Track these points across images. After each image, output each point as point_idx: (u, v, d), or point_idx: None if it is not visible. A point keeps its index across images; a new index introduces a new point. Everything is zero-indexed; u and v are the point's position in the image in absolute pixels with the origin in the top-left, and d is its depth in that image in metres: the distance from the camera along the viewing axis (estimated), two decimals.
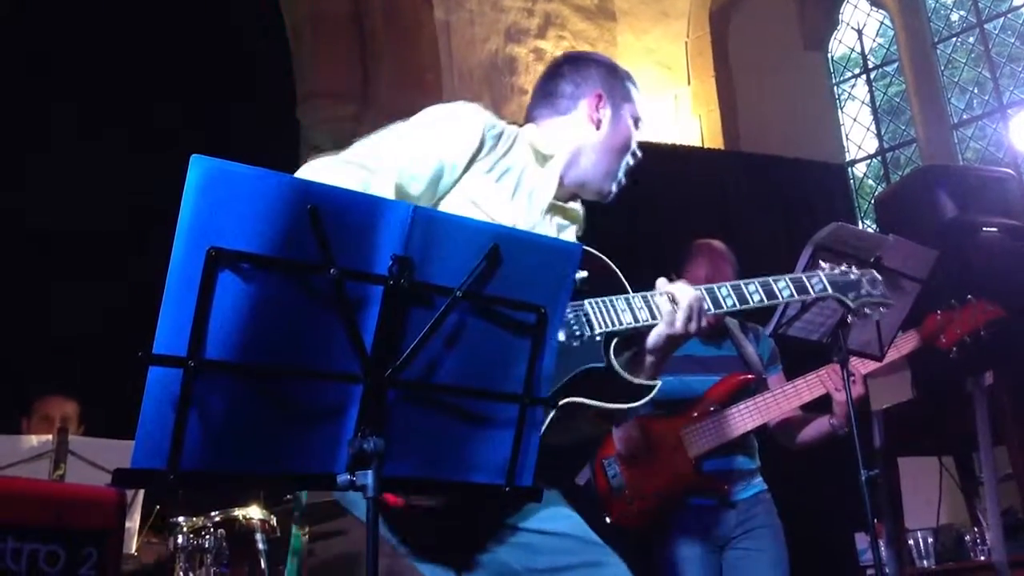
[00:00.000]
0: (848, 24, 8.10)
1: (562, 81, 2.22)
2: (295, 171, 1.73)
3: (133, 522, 3.63)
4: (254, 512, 3.77)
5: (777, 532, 3.22)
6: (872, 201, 7.33)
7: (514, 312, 1.44)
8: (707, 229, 3.51)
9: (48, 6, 5.91)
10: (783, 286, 2.11)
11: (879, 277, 2.32)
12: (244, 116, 5.83)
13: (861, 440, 2.68)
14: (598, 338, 1.89)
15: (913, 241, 2.85)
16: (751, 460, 3.28)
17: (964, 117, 7.33)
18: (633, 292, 1.97)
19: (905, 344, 3.05)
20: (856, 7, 8.02)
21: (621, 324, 1.91)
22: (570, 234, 2.15)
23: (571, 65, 2.26)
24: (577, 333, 1.87)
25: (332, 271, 1.27)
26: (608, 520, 3.13)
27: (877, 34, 8.01)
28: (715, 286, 2.05)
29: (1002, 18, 7.24)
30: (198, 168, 1.20)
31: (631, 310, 1.93)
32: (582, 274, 1.91)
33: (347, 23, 6.30)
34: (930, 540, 3.45)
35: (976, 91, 7.35)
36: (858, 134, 7.91)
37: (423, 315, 1.36)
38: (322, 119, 6.14)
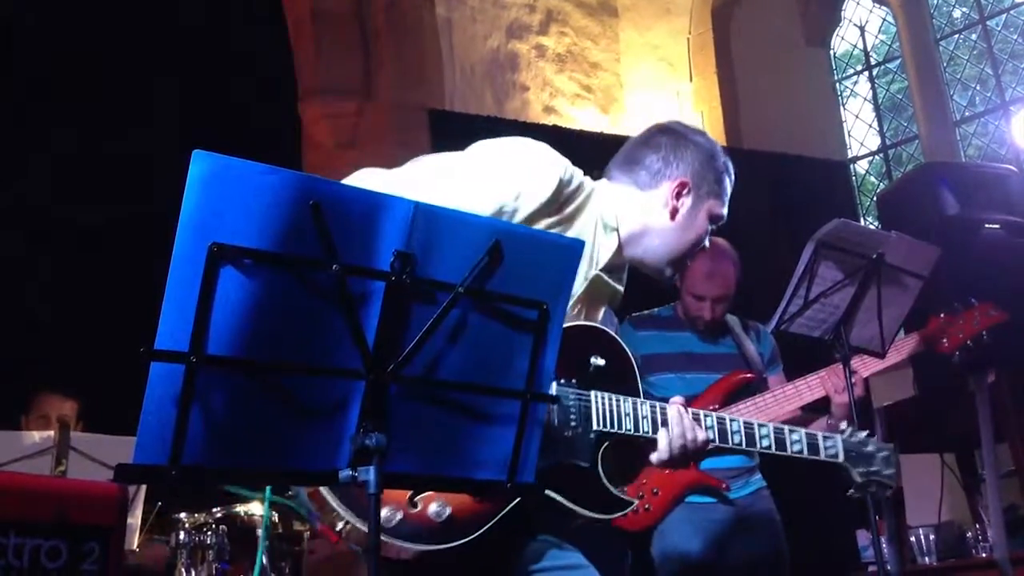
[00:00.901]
0: (850, 20, 8.09)
1: (652, 153, 2.04)
2: (297, 167, 1.71)
3: (135, 518, 3.63)
4: (256, 508, 3.78)
5: (776, 529, 3.22)
6: (874, 198, 7.32)
7: (516, 308, 1.44)
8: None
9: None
10: (796, 439, 2.08)
11: (893, 457, 2.25)
12: (245, 112, 5.83)
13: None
14: (592, 435, 1.81)
15: (915, 238, 2.84)
16: (750, 457, 3.28)
17: (966, 114, 7.32)
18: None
19: (907, 346, 3.04)
20: (859, 4, 8.01)
21: (619, 429, 1.84)
22: (600, 312, 2.04)
23: (669, 138, 2.07)
24: (572, 423, 1.79)
25: (334, 267, 1.27)
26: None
27: (879, 31, 8.00)
28: (727, 418, 2.01)
29: (1004, 15, 7.23)
30: (200, 163, 1.19)
31: (635, 417, 1.86)
32: (600, 362, 1.85)
33: (349, 19, 6.30)
34: (932, 537, 3.45)
35: (978, 88, 7.34)
36: (860, 131, 7.90)
37: (425, 311, 1.36)
38: (323, 115, 6.14)
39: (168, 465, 1.19)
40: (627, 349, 1.93)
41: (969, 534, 3.45)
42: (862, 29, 8.04)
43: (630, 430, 1.85)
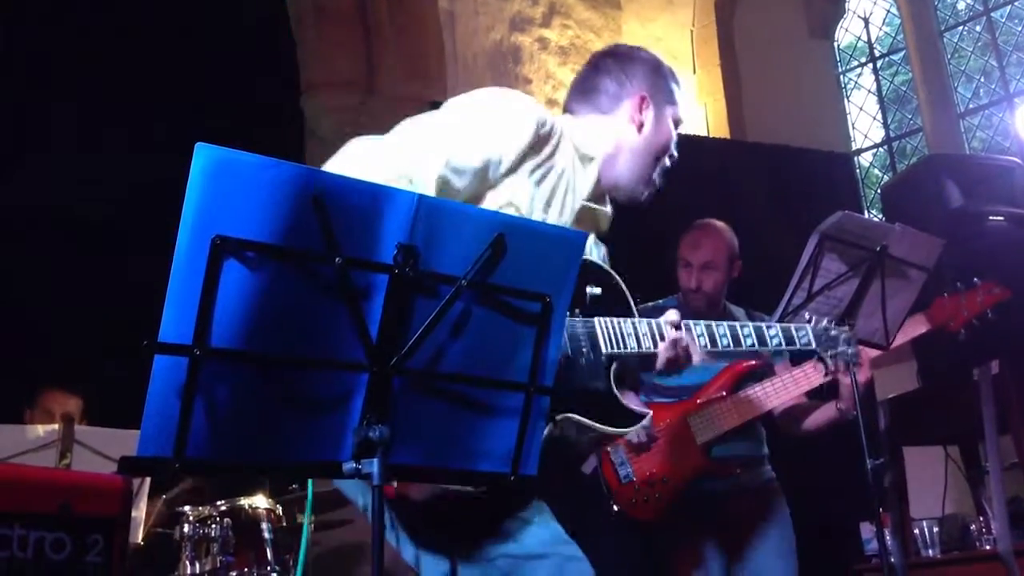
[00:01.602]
0: (854, 12, 8.06)
1: (605, 77, 2.15)
2: (299, 160, 1.72)
3: (139, 512, 3.64)
4: (260, 502, 3.78)
5: (786, 521, 3.23)
6: (878, 190, 7.31)
7: (519, 301, 1.44)
8: (712, 218, 3.51)
9: None
10: (773, 334, 2.26)
11: (852, 339, 2.51)
12: (247, 105, 5.82)
13: (867, 429, 2.68)
14: (603, 358, 1.92)
15: (919, 230, 2.84)
16: (759, 447, 3.28)
17: (971, 106, 7.30)
18: (638, 301, 2.03)
19: (913, 328, 3.04)
20: None
21: (625, 348, 1.95)
22: (589, 242, 2.12)
23: (616, 61, 2.18)
24: (584, 350, 1.89)
25: (337, 260, 1.27)
26: (616, 509, 3.13)
27: (884, 22, 7.97)
28: (714, 324, 2.18)
29: (1009, 6, 7.21)
30: (203, 156, 1.19)
31: (637, 335, 1.97)
32: (596, 291, 1.95)
33: (351, 12, 6.29)
34: (935, 529, 3.45)
35: (983, 80, 7.32)
36: (864, 123, 7.88)
37: (428, 304, 1.36)
38: (326, 109, 6.13)
39: (172, 457, 1.19)
40: (615, 275, 2.03)
41: (973, 527, 3.45)
42: (866, 21, 8.01)
43: (635, 348, 1.97)
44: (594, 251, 2.14)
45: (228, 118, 5.35)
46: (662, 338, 2.00)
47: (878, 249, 2.74)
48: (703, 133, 7.35)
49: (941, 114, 7.27)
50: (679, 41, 7.79)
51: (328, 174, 1.31)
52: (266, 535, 3.69)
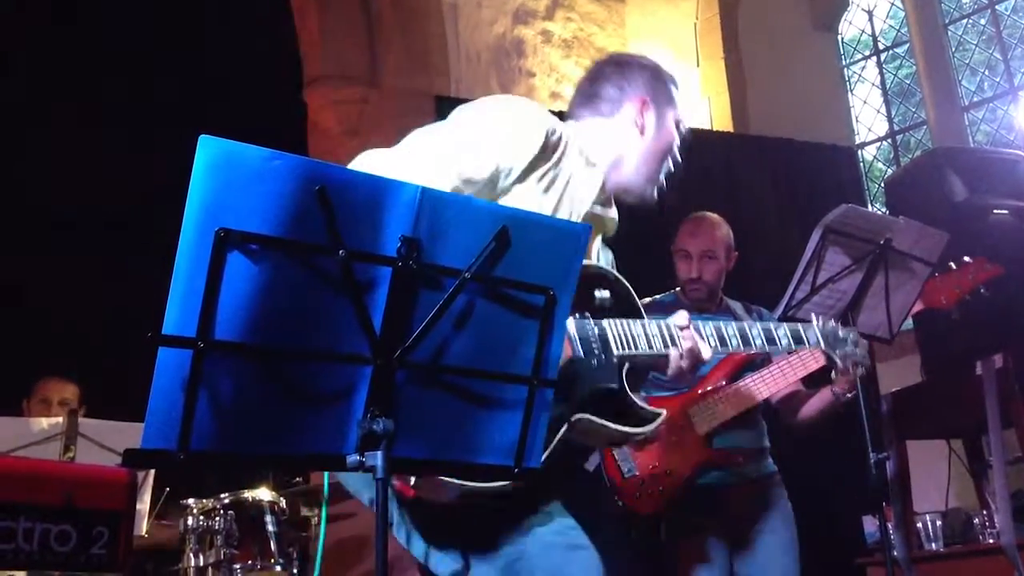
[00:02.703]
0: (858, 5, 8.04)
1: (606, 83, 2.20)
2: (302, 154, 1.72)
3: (144, 504, 3.65)
4: (264, 494, 3.79)
5: (788, 514, 3.23)
6: (882, 184, 7.30)
7: (523, 294, 1.44)
8: (716, 211, 3.51)
9: None
10: (782, 334, 2.27)
11: (860, 339, 2.52)
12: (250, 98, 5.82)
13: (870, 423, 2.69)
14: (615, 360, 1.93)
15: (923, 224, 2.83)
16: (761, 439, 3.28)
17: (975, 99, 7.28)
18: (645, 302, 2.06)
19: None
20: None
21: (637, 349, 1.97)
22: (596, 247, 2.16)
23: (615, 68, 2.23)
24: (596, 352, 1.91)
25: (340, 253, 1.27)
26: (621, 504, 3.13)
27: (888, 15, 7.95)
28: (723, 324, 2.20)
29: None
30: (207, 149, 1.19)
31: (647, 337, 1.99)
32: (604, 295, 1.97)
33: (354, 5, 6.29)
34: (938, 523, 3.45)
35: (987, 73, 7.30)
36: (868, 116, 7.87)
37: (432, 297, 1.36)
38: (329, 102, 6.13)
39: (176, 450, 1.19)
40: (623, 279, 2.05)
41: (976, 520, 3.45)
42: (870, 14, 7.99)
43: (646, 349, 1.98)
44: (601, 256, 2.17)
45: (230, 111, 5.35)
46: (672, 340, 2.03)
47: (882, 242, 2.73)
48: (707, 126, 7.34)
49: (945, 107, 7.26)
50: (683, 34, 7.77)
51: (331, 166, 1.31)
52: (270, 528, 3.70)
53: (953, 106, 7.26)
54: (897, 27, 7.86)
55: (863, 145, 7.78)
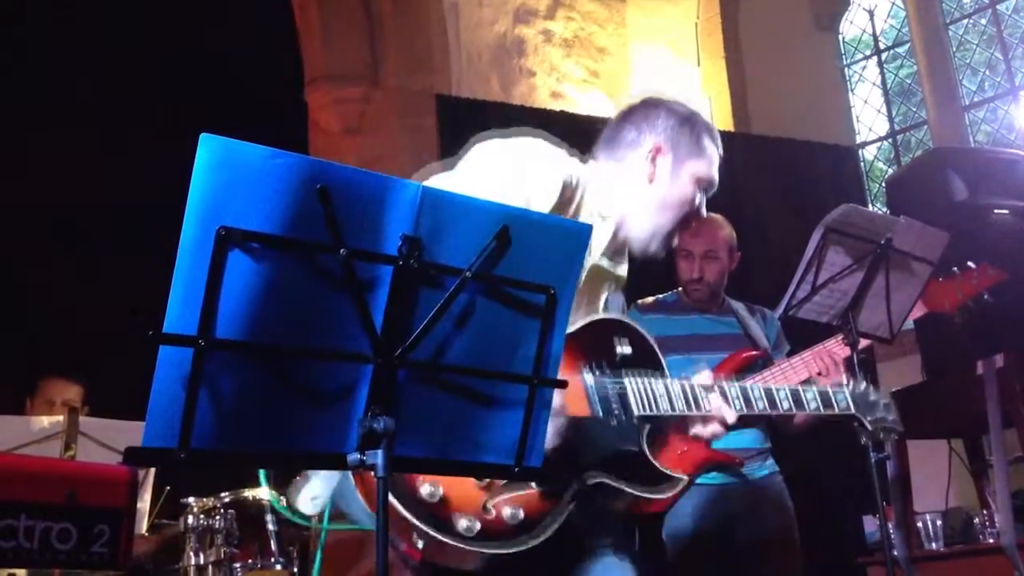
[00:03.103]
0: (859, 5, 8.04)
1: (628, 125, 2.08)
2: (303, 153, 1.70)
3: (144, 503, 3.65)
4: (264, 493, 3.79)
5: (789, 515, 3.23)
6: (882, 184, 7.29)
7: (523, 293, 1.44)
8: (716, 211, 3.50)
9: None
10: (811, 397, 2.17)
11: (892, 404, 2.39)
12: (251, 97, 5.82)
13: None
14: (635, 420, 1.89)
15: (924, 223, 2.83)
16: (763, 440, 3.28)
17: (976, 99, 7.28)
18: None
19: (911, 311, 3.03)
20: None
21: (659, 410, 1.91)
22: (603, 299, 2.08)
23: (642, 109, 2.10)
24: (615, 411, 1.87)
25: (341, 251, 1.27)
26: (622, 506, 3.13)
27: (889, 15, 7.95)
28: (749, 386, 2.10)
29: None
30: (208, 147, 1.19)
31: (669, 398, 1.93)
32: (626, 350, 1.92)
33: (355, 5, 6.29)
34: (939, 523, 3.44)
35: (988, 73, 7.29)
36: (869, 116, 7.86)
37: (433, 296, 1.36)
38: (330, 101, 6.13)
39: (177, 448, 1.19)
40: (644, 332, 1.99)
41: (976, 520, 3.45)
42: (871, 13, 7.99)
43: (667, 410, 1.92)
44: (611, 304, 2.08)
45: (231, 110, 5.35)
46: (695, 401, 1.95)
47: (882, 242, 2.73)
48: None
49: (946, 107, 7.25)
50: (684, 33, 7.77)
51: (332, 164, 1.31)
52: (270, 527, 3.70)
53: (954, 106, 7.25)
54: (898, 27, 7.86)
55: (864, 145, 7.78)
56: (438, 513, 1.67)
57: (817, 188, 6.27)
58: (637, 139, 2.06)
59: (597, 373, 1.88)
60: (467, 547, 1.66)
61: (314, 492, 1.85)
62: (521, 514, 1.73)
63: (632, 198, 2.03)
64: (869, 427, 2.32)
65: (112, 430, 3.53)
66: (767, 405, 2.10)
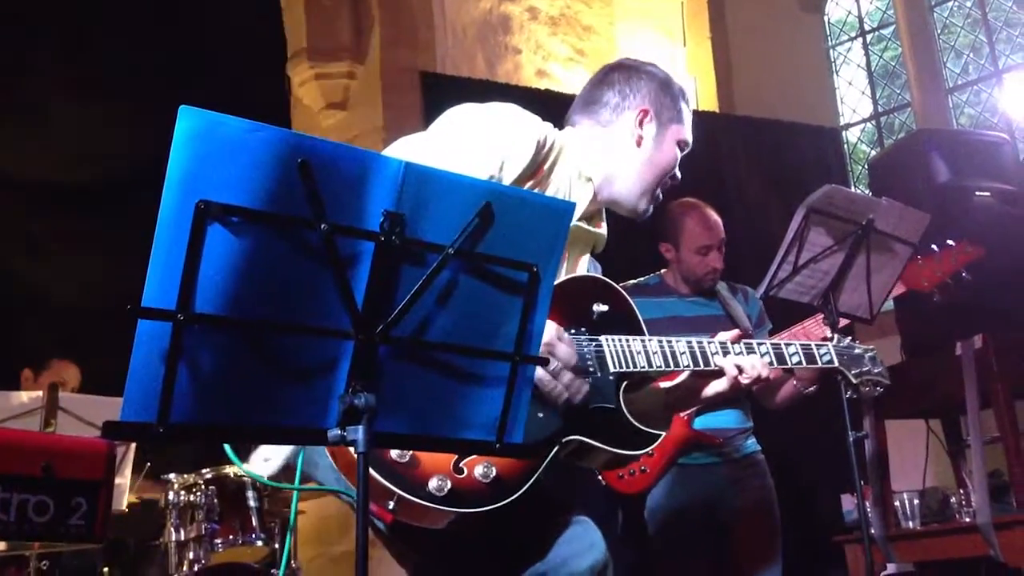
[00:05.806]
0: None
1: (608, 89, 2.11)
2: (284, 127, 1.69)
3: (124, 478, 3.64)
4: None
5: (770, 494, 3.25)
6: (866, 165, 7.32)
7: (506, 270, 1.43)
8: (701, 191, 3.50)
9: None
10: (792, 352, 2.16)
11: (878, 357, 2.39)
12: (234, 72, 5.77)
13: (849, 403, 2.70)
14: (611, 377, 1.88)
15: (906, 205, 2.84)
16: (745, 419, 3.30)
17: (959, 81, 7.30)
18: (629, 284, 1.98)
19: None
20: None
21: (635, 367, 1.91)
22: (584, 262, 2.09)
23: (621, 74, 2.14)
24: (591, 370, 1.86)
25: (323, 226, 1.26)
26: (604, 484, 3.14)
27: None
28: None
29: None
30: (187, 120, 1.18)
31: (646, 354, 1.92)
32: (603, 308, 1.91)
33: None
34: (916, 501, 3.48)
35: (972, 55, 7.31)
36: (853, 98, 7.88)
37: (415, 272, 1.35)
38: (313, 76, 6.08)
39: (155, 422, 1.18)
40: (623, 292, 1.99)
41: (953, 499, 3.48)
42: None
43: (644, 367, 1.92)
44: (589, 270, 2.09)
45: (212, 85, 5.31)
46: (673, 358, 1.95)
47: (864, 223, 2.74)
48: (692, 107, 7.33)
49: (930, 89, 7.27)
50: (670, 13, 7.75)
51: (315, 139, 1.29)
52: (251, 503, 3.70)
53: (937, 88, 7.27)
54: (883, 9, 7.86)
55: (847, 126, 7.80)
56: (407, 473, 1.67)
57: (800, 169, 6.29)
58: (622, 103, 2.09)
59: (572, 332, 1.86)
60: (437, 507, 1.66)
61: (266, 454, 1.84)
62: (493, 472, 1.73)
63: (620, 161, 2.07)
64: (854, 380, 2.33)
65: (92, 405, 3.52)
66: (774, 359, 2.11)
